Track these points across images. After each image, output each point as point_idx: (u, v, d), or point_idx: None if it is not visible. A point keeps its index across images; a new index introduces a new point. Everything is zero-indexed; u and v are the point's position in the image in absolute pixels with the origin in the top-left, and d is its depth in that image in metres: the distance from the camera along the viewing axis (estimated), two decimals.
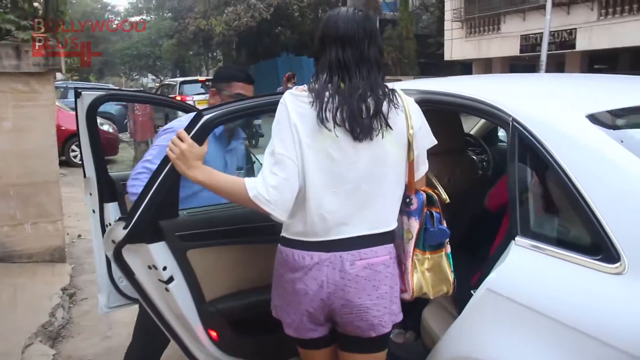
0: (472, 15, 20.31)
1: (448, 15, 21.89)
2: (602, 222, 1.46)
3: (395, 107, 1.65)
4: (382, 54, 1.70)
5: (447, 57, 22.37)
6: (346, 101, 1.59)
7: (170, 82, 17.68)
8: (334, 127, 1.58)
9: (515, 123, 1.76)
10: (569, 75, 2.53)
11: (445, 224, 1.82)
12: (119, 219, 1.88)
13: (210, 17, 23.69)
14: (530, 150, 1.72)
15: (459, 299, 2.34)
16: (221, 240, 2.09)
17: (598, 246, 1.47)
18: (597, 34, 16.15)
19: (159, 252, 1.92)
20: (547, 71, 15.25)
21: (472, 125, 4.00)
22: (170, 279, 1.96)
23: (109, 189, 2.57)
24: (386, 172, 1.67)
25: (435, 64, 27.60)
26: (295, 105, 1.62)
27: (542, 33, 15.61)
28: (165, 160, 1.81)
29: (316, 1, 26.01)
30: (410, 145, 1.69)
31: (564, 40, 17.15)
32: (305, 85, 1.68)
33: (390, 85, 1.74)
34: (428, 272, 1.79)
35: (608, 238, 1.44)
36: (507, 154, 1.81)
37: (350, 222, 1.65)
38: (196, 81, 16.53)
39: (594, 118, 1.69)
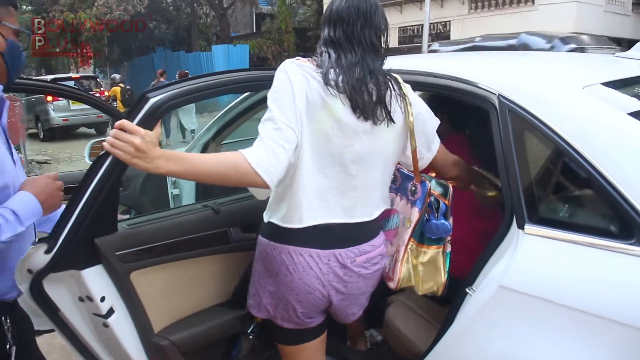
0: None
1: None
2: (631, 201, 1.32)
3: (396, 96, 1.59)
4: (381, 37, 1.60)
5: None
6: (345, 73, 1.51)
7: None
8: (338, 93, 1.49)
9: (504, 100, 1.59)
10: (539, 54, 2.42)
11: (451, 220, 1.76)
12: (39, 241, 1.43)
13: (78, 10, 21.94)
14: (528, 129, 1.57)
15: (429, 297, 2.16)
16: (171, 256, 1.70)
17: (629, 229, 1.33)
18: (469, 26, 17.12)
19: (96, 279, 1.51)
20: None
21: None
22: (110, 312, 1.55)
23: None
24: (379, 161, 1.61)
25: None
26: (297, 74, 1.49)
27: (418, 25, 16.23)
28: (100, 159, 1.41)
29: None
30: (411, 134, 1.64)
31: (439, 32, 18.00)
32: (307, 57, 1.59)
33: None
34: (422, 266, 1.75)
35: None
36: (494, 134, 1.62)
37: (335, 207, 1.58)
38: (69, 78, 15.07)
39: (592, 90, 1.57)
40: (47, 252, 1.42)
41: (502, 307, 1.47)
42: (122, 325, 1.59)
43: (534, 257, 1.45)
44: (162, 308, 1.70)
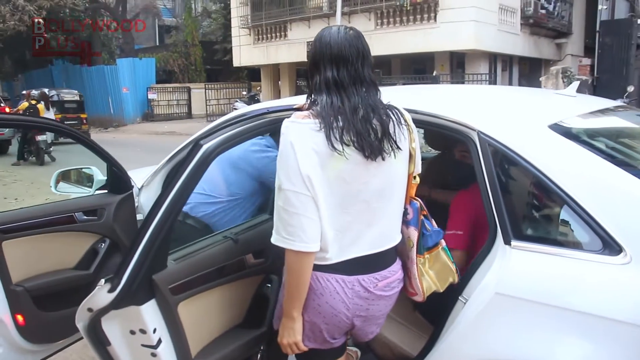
0: (259, 22, 20.84)
1: (235, 22, 22.12)
2: (596, 219, 1.64)
3: (399, 125, 1.68)
4: (374, 72, 1.70)
5: (236, 63, 22.70)
6: (350, 121, 1.57)
7: None
8: (343, 148, 1.55)
9: (484, 136, 1.89)
10: (507, 89, 2.77)
11: (434, 223, 1.91)
12: (105, 282, 1.53)
13: None
14: (506, 160, 1.88)
15: (410, 306, 2.42)
16: (206, 285, 1.84)
17: (596, 241, 1.65)
18: (375, 41, 17.75)
19: (151, 313, 1.63)
20: None
21: None
22: (159, 342, 1.67)
23: None
24: (394, 190, 1.72)
25: (222, 70, 27.86)
26: (299, 133, 1.56)
27: None
28: (159, 200, 1.54)
29: (94, 6, 24.20)
30: (412, 158, 1.76)
31: None
32: (305, 111, 1.63)
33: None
34: (431, 270, 1.89)
35: (606, 233, 1.63)
36: (475, 164, 1.91)
37: (361, 241, 1.67)
38: None
39: (555, 127, 1.91)
40: (111, 290, 1.53)
41: (499, 311, 1.75)
42: (168, 354, 1.71)
43: (522, 267, 1.74)
44: (198, 333, 1.83)
